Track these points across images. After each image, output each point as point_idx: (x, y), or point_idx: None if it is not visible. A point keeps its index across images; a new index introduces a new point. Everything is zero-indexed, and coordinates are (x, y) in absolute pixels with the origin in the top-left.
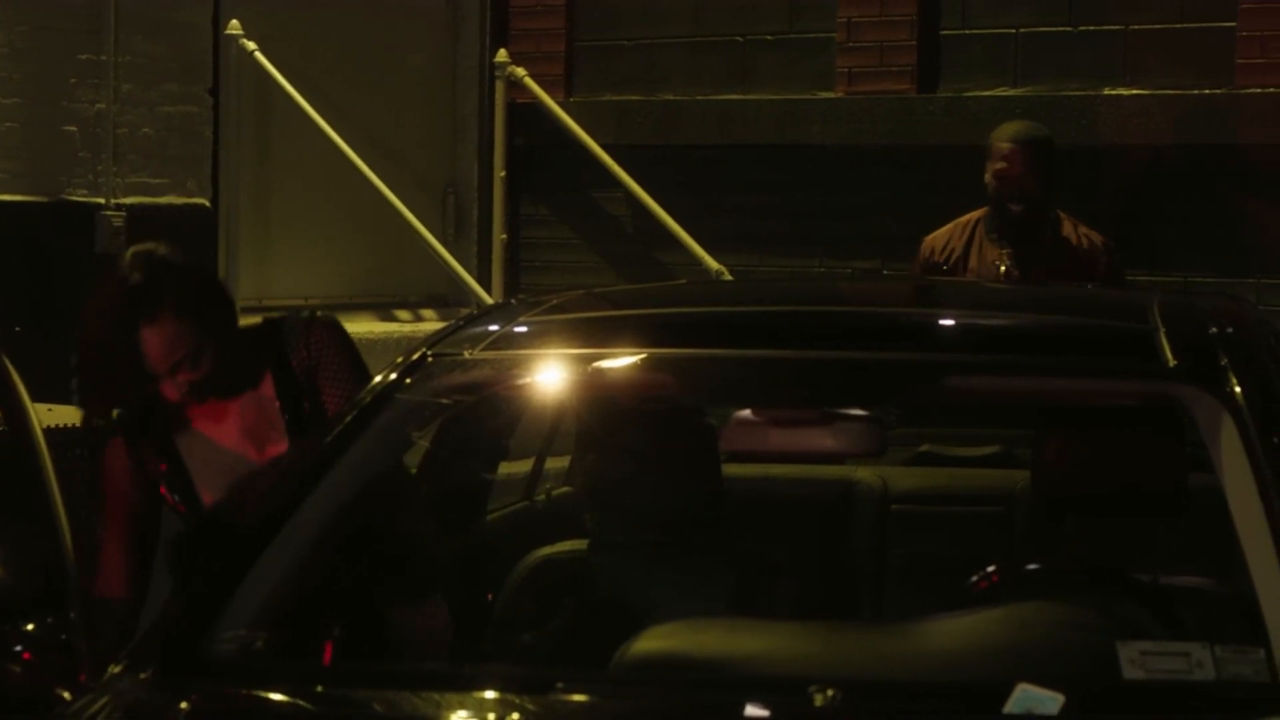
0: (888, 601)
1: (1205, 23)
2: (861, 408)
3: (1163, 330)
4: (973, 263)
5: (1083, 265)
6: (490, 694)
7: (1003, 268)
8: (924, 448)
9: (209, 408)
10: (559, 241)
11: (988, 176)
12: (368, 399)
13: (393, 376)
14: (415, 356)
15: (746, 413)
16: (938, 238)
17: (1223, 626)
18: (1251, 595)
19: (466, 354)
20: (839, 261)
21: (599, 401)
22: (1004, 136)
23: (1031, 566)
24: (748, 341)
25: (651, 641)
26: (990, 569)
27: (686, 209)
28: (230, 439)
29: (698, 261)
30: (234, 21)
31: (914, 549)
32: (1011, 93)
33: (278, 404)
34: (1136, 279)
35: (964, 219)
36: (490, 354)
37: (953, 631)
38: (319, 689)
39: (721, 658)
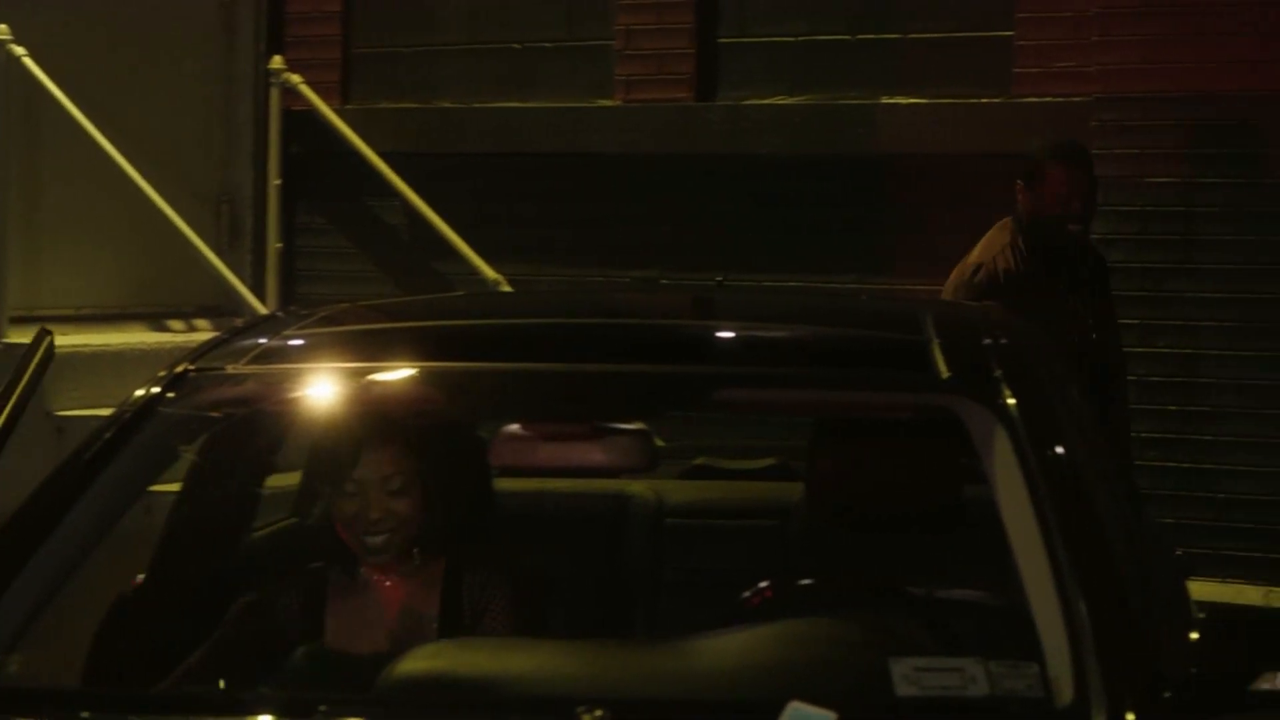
0: (662, 617)
1: (983, 32)
2: (633, 421)
3: (936, 341)
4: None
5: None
6: (251, 719)
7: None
8: (699, 460)
9: None
10: (335, 251)
11: (1028, 199)
12: (128, 413)
13: (154, 390)
14: (178, 370)
15: (515, 427)
16: (986, 262)
17: (998, 641)
18: (1026, 609)
19: (229, 369)
20: (618, 271)
21: (359, 416)
22: (1057, 155)
23: (805, 582)
24: (518, 354)
25: (417, 662)
26: (763, 584)
27: (465, 218)
28: None
29: (476, 271)
30: (3, 26)
31: (689, 563)
32: (789, 101)
33: None
34: (918, 289)
35: (997, 240)
36: (254, 368)
37: (725, 648)
38: (76, 713)
39: (489, 677)
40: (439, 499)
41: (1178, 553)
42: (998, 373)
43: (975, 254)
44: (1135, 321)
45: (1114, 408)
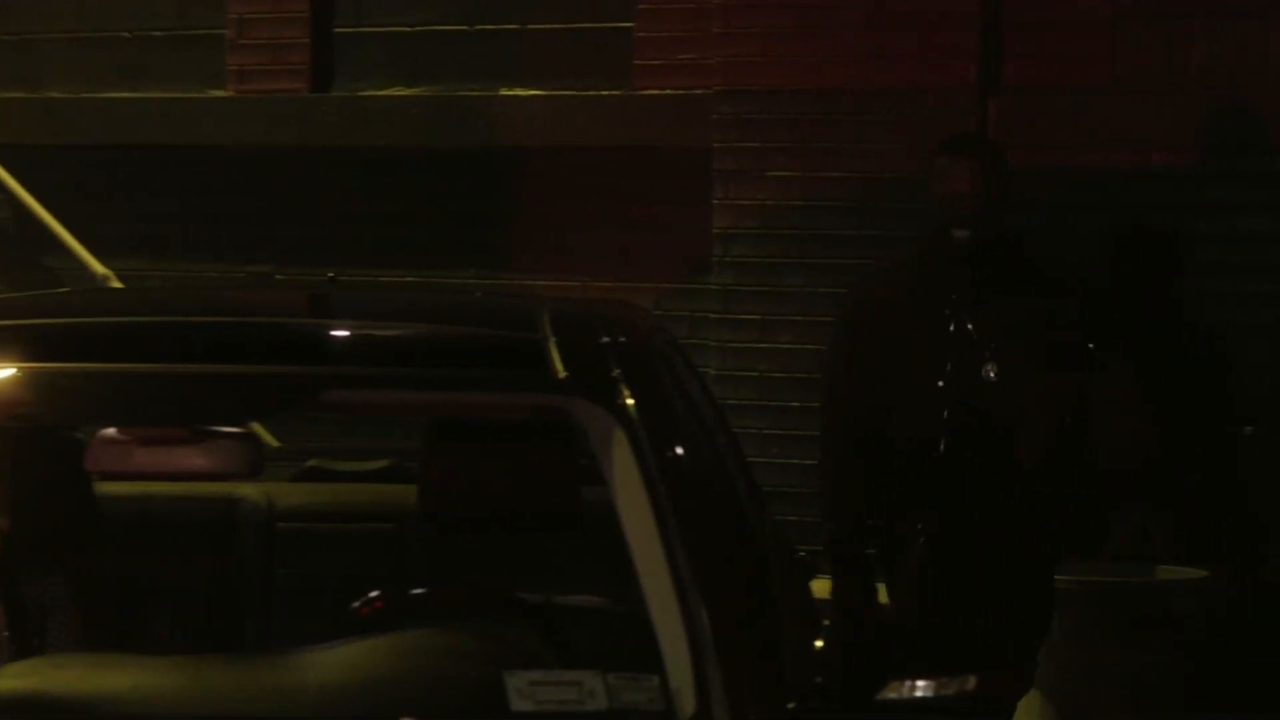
0: (274, 628)
1: (603, 23)
2: (238, 424)
3: (553, 340)
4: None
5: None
6: None
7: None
8: (312, 462)
9: None
10: None
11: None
12: None
13: None
14: None
15: (112, 431)
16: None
17: (618, 652)
18: (646, 618)
19: None
20: (232, 266)
21: None
22: (944, 147)
23: (418, 591)
24: (119, 355)
25: (5, 681)
26: (374, 594)
27: (74, 212)
28: None
29: (84, 267)
30: None
31: (302, 570)
32: (408, 92)
33: None
34: (538, 286)
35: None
36: None
37: (335, 662)
38: None
39: (84, 697)
40: (28, 506)
41: (800, 554)
42: (616, 372)
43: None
44: (756, 317)
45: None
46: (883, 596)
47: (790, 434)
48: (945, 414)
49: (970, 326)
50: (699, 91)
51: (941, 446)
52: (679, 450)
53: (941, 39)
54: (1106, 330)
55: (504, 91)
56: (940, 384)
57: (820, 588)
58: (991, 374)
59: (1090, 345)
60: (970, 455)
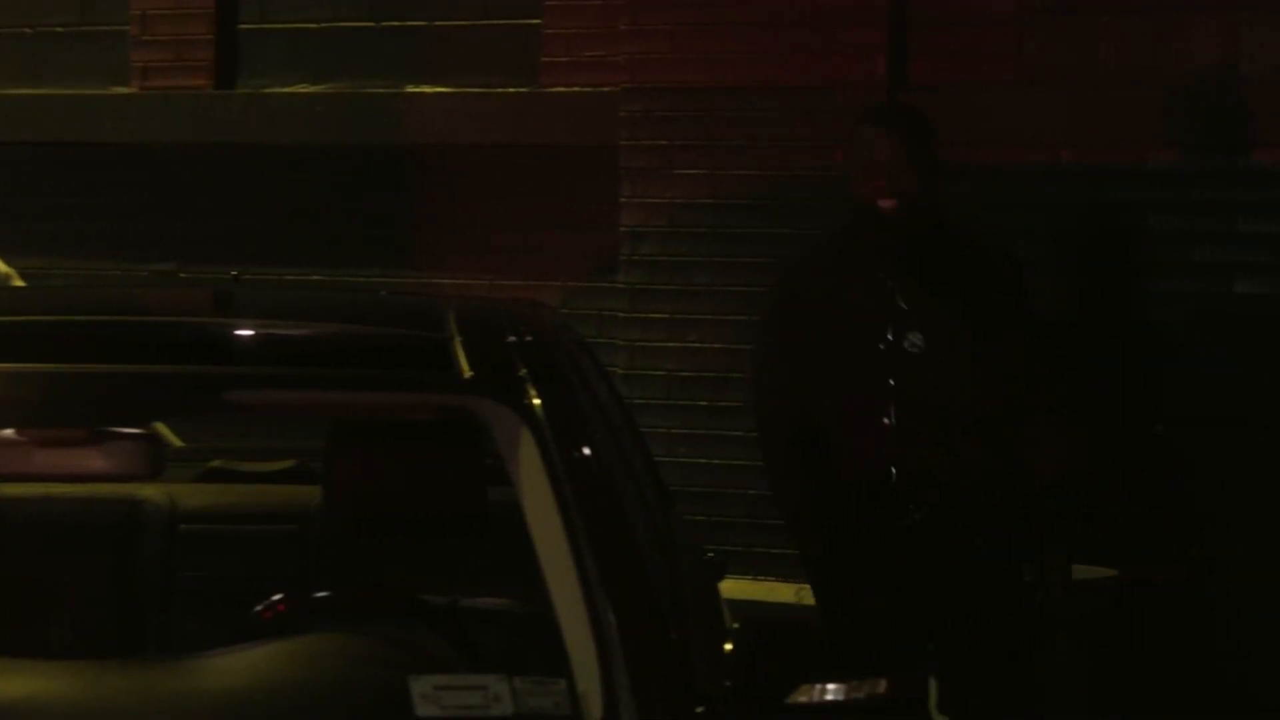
0: (176, 632)
1: (509, 20)
2: (139, 424)
3: (459, 339)
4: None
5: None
6: None
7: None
8: (215, 462)
9: None
10: None
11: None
12: None
13: None
14: None
15: (10, 432)
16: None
17: (524, 655)
18: (553, 621)
19: None
20: (136, 265)
21: None
22: (864, 116)
23: (321, 594)
24: (18, 354)
25: None
26: (276, 598)
27: None
28: None
29: None
30: None
31: (205, 573)
32: (313, 90)
33: None
34: (443, 284)
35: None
36: None
37: (236, 667)
38: None
39: None
40: None
41: (709, 555)
42: (522, 372)
43: None
44: (664, 316)
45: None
46: (808, 598)
47: (698, 433)
48: (890, 383)
49: (897, 296)
50: (606, 89)
51: (888, 418)
52: (586, 450)
53: (849, 36)
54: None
55: (410, 89)
56: (876, 354)
57: (731, 588)
58: (917, 343)
59: (1023, 320)
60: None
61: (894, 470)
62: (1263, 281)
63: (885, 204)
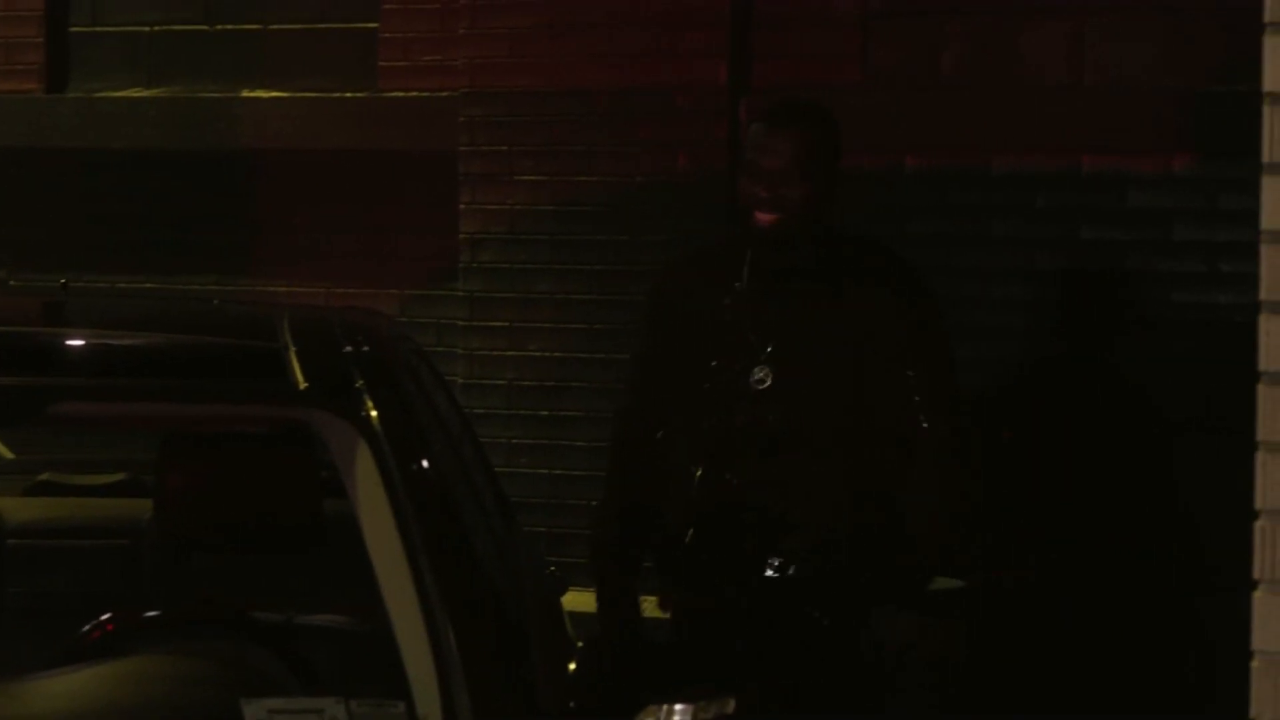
0: (3, 652)
1: (346, 23)
2: None
3: (293, 349)
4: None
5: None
6: None
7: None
8: (44, 476)
9: None
10: None
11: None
12: None
13: None
14: None
15: None
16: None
17: (362, 676)
18: (391, 640)
19: None
20: None
21: None
22: (757, 115)
23: (150, 614)
24: None
25: None
26: (104, 617)
27: None
28: None
29: None
30: None
31: (34, 589)
32: (145, 94)
33: None
34: (279, 292)
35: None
36: None
37: (63, 690)
38: None
39: None
40: None
41: (552, 569)
42: (359, 383)
43: None
44: (504, 324)
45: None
46: (651, 610)
47: (539, 444)
48: (736, 421)
49: (749, 324)
50: (445, 94)
51: (730, 460)
52: (425, 464)
53: (691, 38)
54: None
55: (245, 93)
56: (720, 387)
57: (575, 601)
58: (763, 380)
59: (910, 371)
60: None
61: (745, 515)
62: (1103, 290)
63: (764, 218)
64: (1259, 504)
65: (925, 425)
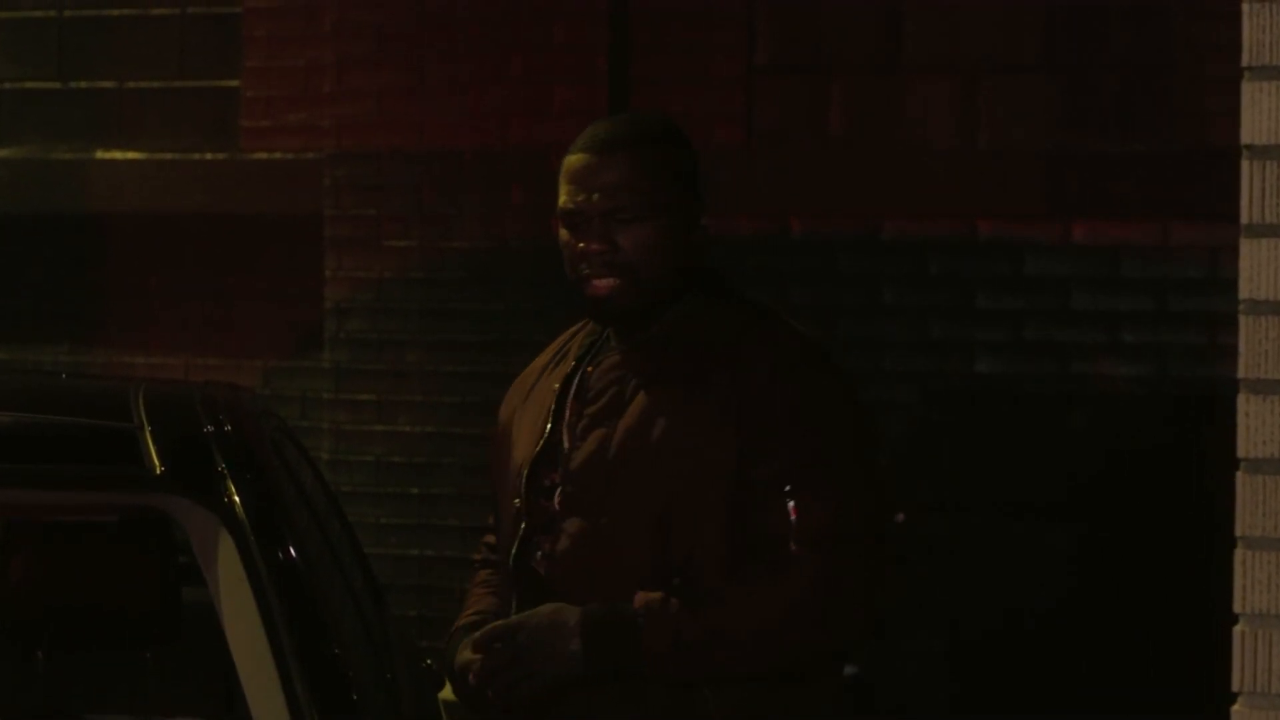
0: None
1: (207, 81)
2: None
3: (148, 428)
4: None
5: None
6: None
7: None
8: None
9: None
10: None
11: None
12: None
13: None
14: None
15: None
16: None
17: None
18: None
19: None
20: None
21: None
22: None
23: None
24: None
25: None
26: None
27: None
28: None
29: None
30: None
31: None
32: None
33: None
34: (133, 363)
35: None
36: None
37: None
38: None
39: None
40: None
41: (427, 661)
42: (221, 466)
43: None
44: (372, 397)
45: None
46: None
47: (409, 523)
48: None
49: (561, 424)
50: (310, 155)
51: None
52: (292, 553)
53: (565, 96)
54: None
55: (100, 154)
56: (522, 499)
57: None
58: (569, 492)
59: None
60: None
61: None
62: (995, 360)
63: (598, 285)
64: (1238, 608)
65: (794, 550)
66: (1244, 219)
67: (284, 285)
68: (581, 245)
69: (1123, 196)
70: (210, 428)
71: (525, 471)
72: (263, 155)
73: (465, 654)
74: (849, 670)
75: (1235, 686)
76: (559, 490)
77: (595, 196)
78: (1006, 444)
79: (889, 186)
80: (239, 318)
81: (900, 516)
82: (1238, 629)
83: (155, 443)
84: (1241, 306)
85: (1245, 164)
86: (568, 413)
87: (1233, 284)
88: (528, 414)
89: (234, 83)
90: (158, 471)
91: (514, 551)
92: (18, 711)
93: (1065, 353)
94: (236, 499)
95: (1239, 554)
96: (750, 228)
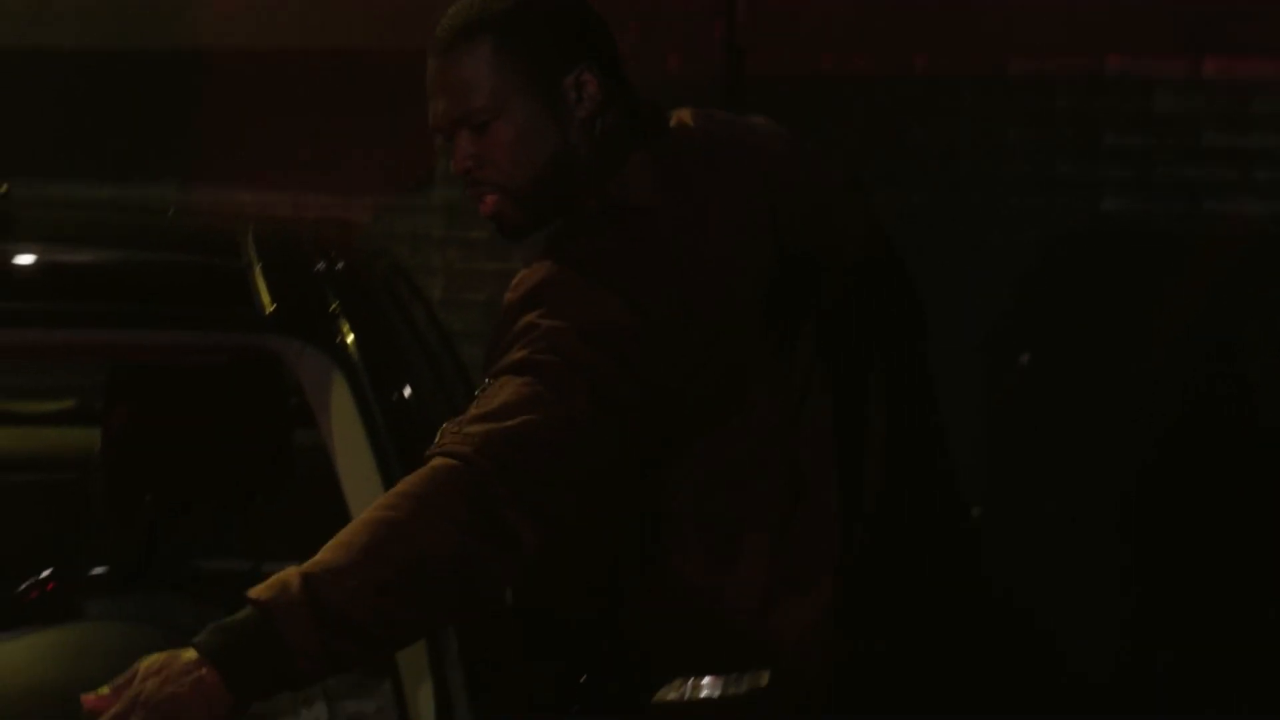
0: None
1: None
2: None
3: (258, 267)
4: None
5: None
6: None
7: None
8: None
9: None
10: None
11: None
12: None
13: None
14: None
15: None
16: None
17: None
18: None
19: None
20: None
21: None
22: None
23: (98, 571)
24: None
25: None
26: (45, 574)
27: None
28: None
29: None
30: None
31: None
32: None
33: None
34: (239, 201)
35: None
36: None
37: None
38: None
39: None
40: None
41: None
42: (334, 306)
43: None
44: (485, 235)
45: None
46: None
47: None
48: None
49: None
50: None
51: None
52: (406, 393)
53: None
54: None
55: None
56: None
57: None
58: None
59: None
60: None
61: None
62: (1121, 199)
63: (482, 207)
64: None
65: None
66: None
67: (394, 122)
68: (454, 166)
69: (1255, 32)
70: (322, 265)
71: None
72: None
73: None
74: (976, 511)
75: None
76: None
77: (442, 105)
78: (1133, 282)
79: (1014, 22)
80: (349, 154)
81: (1025, 357)
82: None
83: (265, 282)
84: None
85: None
86: None
87: None
88: None
89: None
90: (268, 311)
91: None
92: (127, 557)
93: (1195, 190)
94: (349, 339)
95: None
96: (872, 66)
